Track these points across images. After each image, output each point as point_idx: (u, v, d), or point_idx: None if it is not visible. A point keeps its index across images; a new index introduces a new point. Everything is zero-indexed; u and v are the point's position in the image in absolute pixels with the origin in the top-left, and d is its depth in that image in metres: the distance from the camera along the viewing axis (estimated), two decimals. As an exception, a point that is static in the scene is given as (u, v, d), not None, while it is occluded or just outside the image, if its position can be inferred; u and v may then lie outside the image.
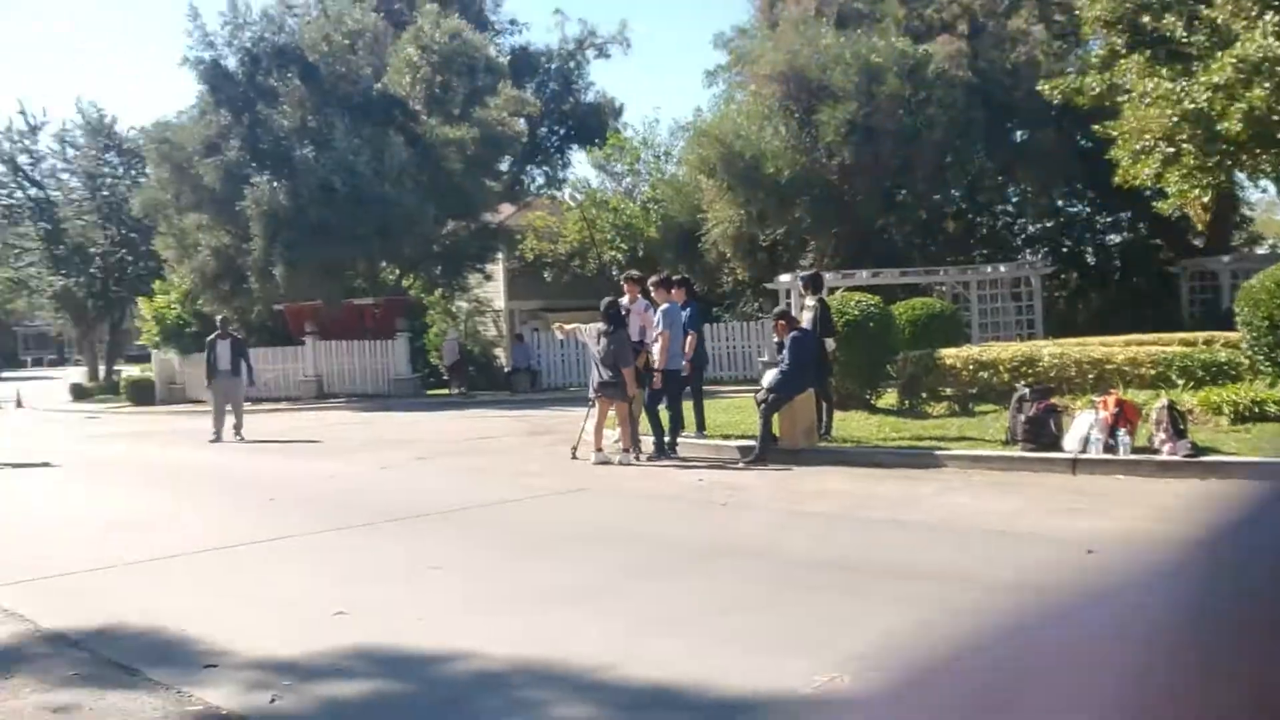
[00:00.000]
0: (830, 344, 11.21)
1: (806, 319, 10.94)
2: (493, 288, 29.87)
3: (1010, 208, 27.54)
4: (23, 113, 49.73)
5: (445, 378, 24.71)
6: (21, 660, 4.72)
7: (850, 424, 11.68)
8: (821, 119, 20.61)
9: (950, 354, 12.66)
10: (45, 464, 13.38)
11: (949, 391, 12.56)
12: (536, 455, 11.86)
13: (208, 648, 4.78)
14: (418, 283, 27.73)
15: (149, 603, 5.61)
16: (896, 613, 4.87)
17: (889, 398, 13.44)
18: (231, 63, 24.79)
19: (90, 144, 38.61)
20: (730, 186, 21.03)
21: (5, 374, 44.95)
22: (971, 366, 12.21)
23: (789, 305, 19.72)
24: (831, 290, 14.89)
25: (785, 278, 20.89)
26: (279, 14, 25.93)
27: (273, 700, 4.07)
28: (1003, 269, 23.47)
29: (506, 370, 24.99)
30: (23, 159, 39.23)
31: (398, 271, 27.55)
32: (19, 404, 29.79)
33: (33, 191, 39.38)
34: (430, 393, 24.87)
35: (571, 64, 31.84)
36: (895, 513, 7.35)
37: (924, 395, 12.86)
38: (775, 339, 10.64)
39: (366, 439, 14.92)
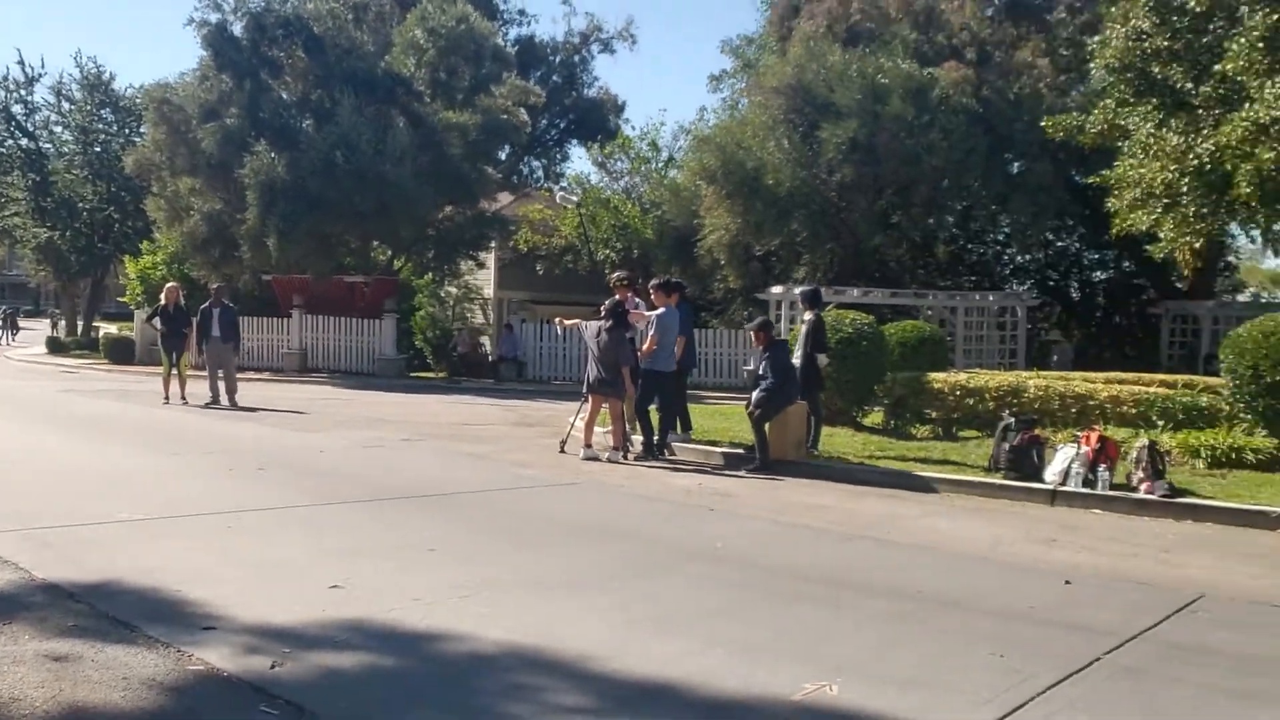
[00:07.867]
0: (823, 360, 11.34)
1: (801, 333, 11.06)
2: (484, 275, 29.89)
3: (1000, 237, 27.81)
4: (20, 63, 49.29)
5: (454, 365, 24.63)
6: (19, 609, 4.73)
7: (837, 440, 11.83)
8: (824, 135, 20.74)
9: (939, 378, 12.84)
10: None
11: (934, 415, 12.73)
12: (524, 445, 11.93)
13: (206, 610, 4.82)
14: (409, 265, 27.69)
15: (146, 561, 5.64)
16: (876, 629, 5.00)
17: (875, 416, 13.60)
18: (237, 29, 24.62)
19: (86, 99, 38.35)
20: (729, 194, 21.14)
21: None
22: (958, 392, 12.40)
23: (778, 317, 19.88)
24: (824, 305, 15.05)
25: (777, 289, 21.03)
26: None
27: (273, 666, 4.12)
28: (991, 297, 23.75)
29: (492, 359, 25.02)
30: (17, 109, 38.95)
31: (390, 252, 27.51)
32: None
33: (24, 142, 39.08)
34: (414, 374, 24.88)
35: (576, 57, 32.01)
36: (879, 532, 7.47)
37: (909, 417, 13.03)
38: (758, 348, 10.75)
39: (352, 416, 14.92)
